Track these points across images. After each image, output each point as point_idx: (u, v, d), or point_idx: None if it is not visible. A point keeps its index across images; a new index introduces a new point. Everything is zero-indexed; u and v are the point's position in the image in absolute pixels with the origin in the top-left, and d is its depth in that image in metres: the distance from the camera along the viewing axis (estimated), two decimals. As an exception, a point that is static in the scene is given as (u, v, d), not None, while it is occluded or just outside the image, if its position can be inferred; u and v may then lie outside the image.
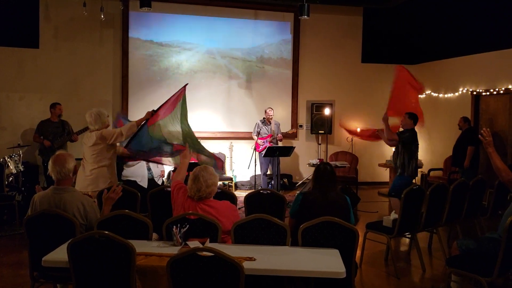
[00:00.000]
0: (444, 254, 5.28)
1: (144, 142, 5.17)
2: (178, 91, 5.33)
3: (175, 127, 5.26)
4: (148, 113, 5.20)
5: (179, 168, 4.14)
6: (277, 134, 8.99)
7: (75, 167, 3.59)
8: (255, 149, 8.79)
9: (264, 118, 8.97)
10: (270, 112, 8.93)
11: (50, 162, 3.55)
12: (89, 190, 4.86)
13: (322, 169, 3.95)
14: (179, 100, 5.29)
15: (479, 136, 4.01)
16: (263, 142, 8.81)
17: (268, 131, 8.90)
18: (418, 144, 6.39)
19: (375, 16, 10.38)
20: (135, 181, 6.74)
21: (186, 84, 5.43)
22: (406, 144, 6.22)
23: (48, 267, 3.05)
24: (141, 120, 5.19)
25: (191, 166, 4.41)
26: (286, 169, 9.94)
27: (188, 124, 5.29)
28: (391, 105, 6.99)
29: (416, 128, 6.46)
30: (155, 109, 5.25)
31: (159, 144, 5.20)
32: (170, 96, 5.36)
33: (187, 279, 2.67)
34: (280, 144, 9.24)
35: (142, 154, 5.38)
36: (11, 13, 8.56)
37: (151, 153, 5.30)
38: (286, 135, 9.35)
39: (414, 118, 6.41)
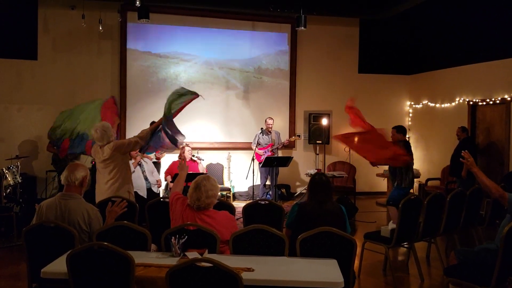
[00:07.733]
0: (442, 263, 5.28)
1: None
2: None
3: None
4: (161, 119, 5.21)
5: (177, 179, 4.20)
6: (278, 143, 9.00)
7: (85, 178, 3.61)
8: (253, 159, 8.79)
9: (262, 128, 9.00)
10: (270, 122, 8.97)
11: None
12: None
13: (317, 180, 3.96)
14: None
15: (460, 159, 4.05)
16: (264, 152, 8.83)
17: (268, 141, 8.92)
18: (412, 155, 6.43)
19: (372, 27, 10.47)
20: (136, 192, 6.72)
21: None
22: None
23: (47, 278, 3.04)
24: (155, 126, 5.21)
25: (190, 177, 4.44)
26: (284, 179, 9.94)
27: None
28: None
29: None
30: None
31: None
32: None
33: (186, 290, 2.67)
34: (279, 153, 9.25)
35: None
36: (9, 25, 8.61)
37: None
38: (288, 144, 9.35)
39: (403, 131, 6.50)
